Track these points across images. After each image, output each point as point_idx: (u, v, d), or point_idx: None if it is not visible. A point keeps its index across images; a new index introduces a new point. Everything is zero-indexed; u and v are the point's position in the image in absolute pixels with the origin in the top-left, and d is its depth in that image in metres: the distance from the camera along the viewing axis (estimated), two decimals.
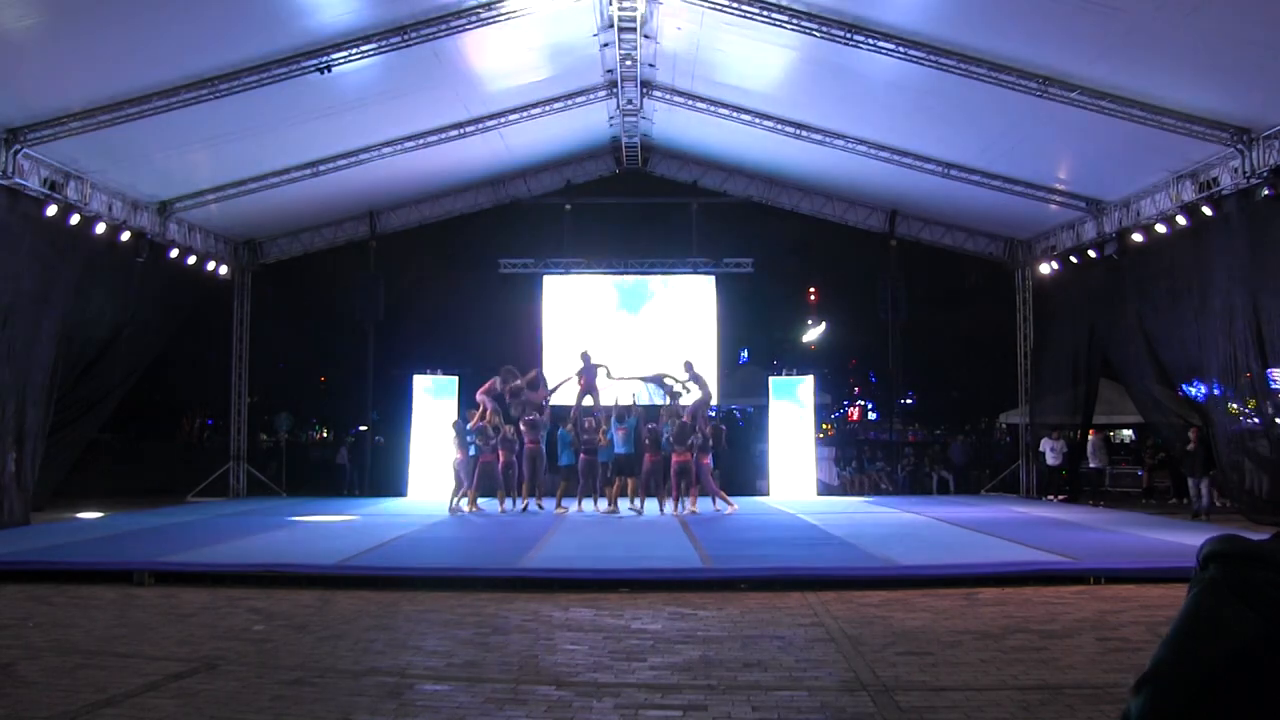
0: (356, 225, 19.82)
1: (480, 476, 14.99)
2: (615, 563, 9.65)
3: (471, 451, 15.04)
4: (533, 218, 20.77)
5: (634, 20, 13.34)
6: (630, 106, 16.74)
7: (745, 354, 31.12)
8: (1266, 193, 11.86)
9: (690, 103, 16.17)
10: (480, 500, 15.36)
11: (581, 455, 15.23)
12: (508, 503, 15.20)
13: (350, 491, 20.41)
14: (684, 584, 8.73)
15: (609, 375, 16.09)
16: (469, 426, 15.21)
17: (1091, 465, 19.06)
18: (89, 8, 10.50)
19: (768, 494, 18.96)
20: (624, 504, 15.23)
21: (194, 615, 7.46)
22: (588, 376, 15.86)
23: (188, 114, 12.48)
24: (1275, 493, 12.98)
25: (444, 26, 12.13)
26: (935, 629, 6.87)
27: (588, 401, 15.76)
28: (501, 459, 15.03)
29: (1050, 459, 18.71)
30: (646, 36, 13.99)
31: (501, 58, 14.23)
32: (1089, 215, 16.35)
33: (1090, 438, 18.97)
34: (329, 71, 12.27)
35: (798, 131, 15.87)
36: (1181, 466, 14.32)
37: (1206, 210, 13.28)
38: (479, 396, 15.46)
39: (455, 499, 15.24)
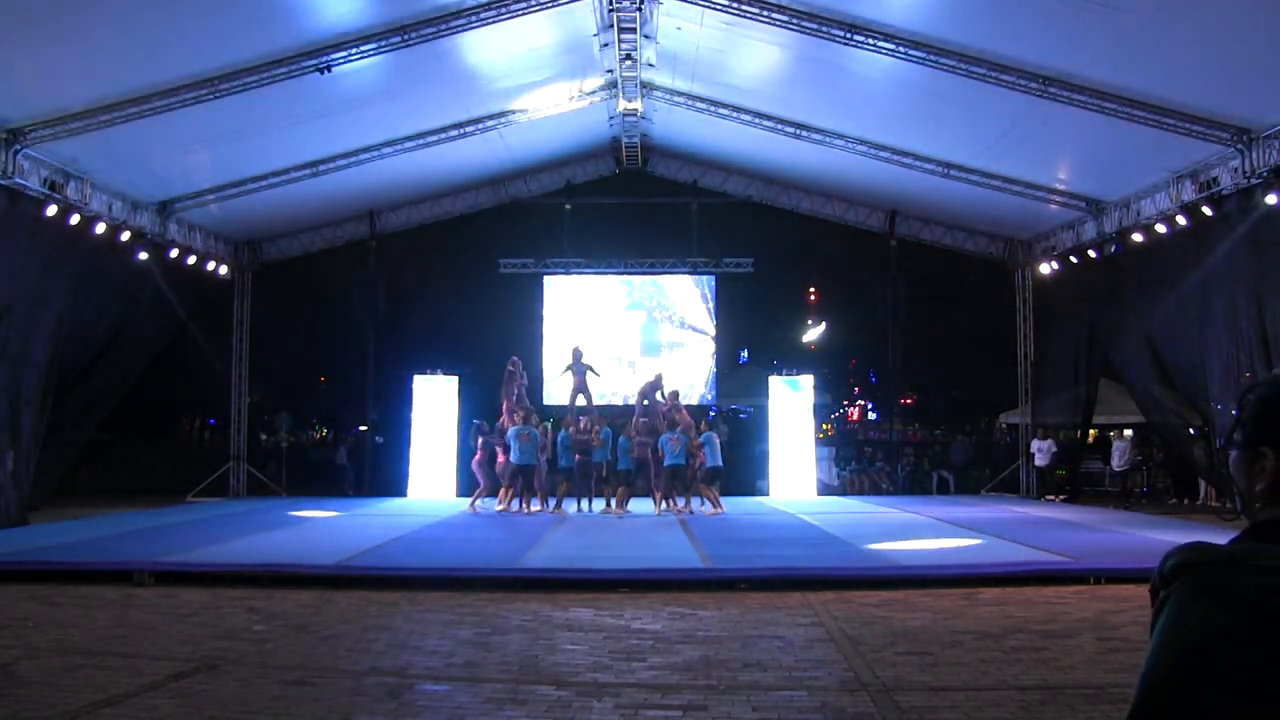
0: (356, 225, 19.82)
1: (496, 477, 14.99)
2: (615, 563, 9.65)
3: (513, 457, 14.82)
4: (533, 218, 20.77)
5: (634, 20, 13.33)
6: (630, 106, 16.74)
7: (745, 354, 31.13)
8: (1272, 198, 11.85)
9: (690, 103, 16.17)
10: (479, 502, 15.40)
11: (577, 456, 15.19)
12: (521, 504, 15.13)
13: (350, 491, 20.40)
14: (684, 584, 8.72)
15: (596, 375, 16.20)
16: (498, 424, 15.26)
17: (1115, 467, 18.71)
18: (89, 8, 10.50)
19: (768, 494, 18.96)
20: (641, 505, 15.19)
21: (194, 615, 7.46)
22: (579, 374, 15.92)
23: (188, 114, 12.46)
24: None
25: (444, 26, 12.12)
26: (935, 629, 6.87)
27: (580, 402, 15.81)
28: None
29: (1039, 459, 18.67)
30: (646, 36, 13.98)
31: (501, 58, 14.23)
32: (1089, 215, 16.35)
33: (1116, 440, 18.68)
34: (329, 72, 12.25)
35: (798, 131, 15.87)
36: None
37: (1206, 210, 13.28)
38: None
39: (477, 500, 15.25)
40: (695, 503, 15.13)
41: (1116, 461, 18.48)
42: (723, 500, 15.23)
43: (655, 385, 15.84)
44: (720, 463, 15.15)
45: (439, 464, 18.65)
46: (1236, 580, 0.88)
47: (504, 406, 15.39)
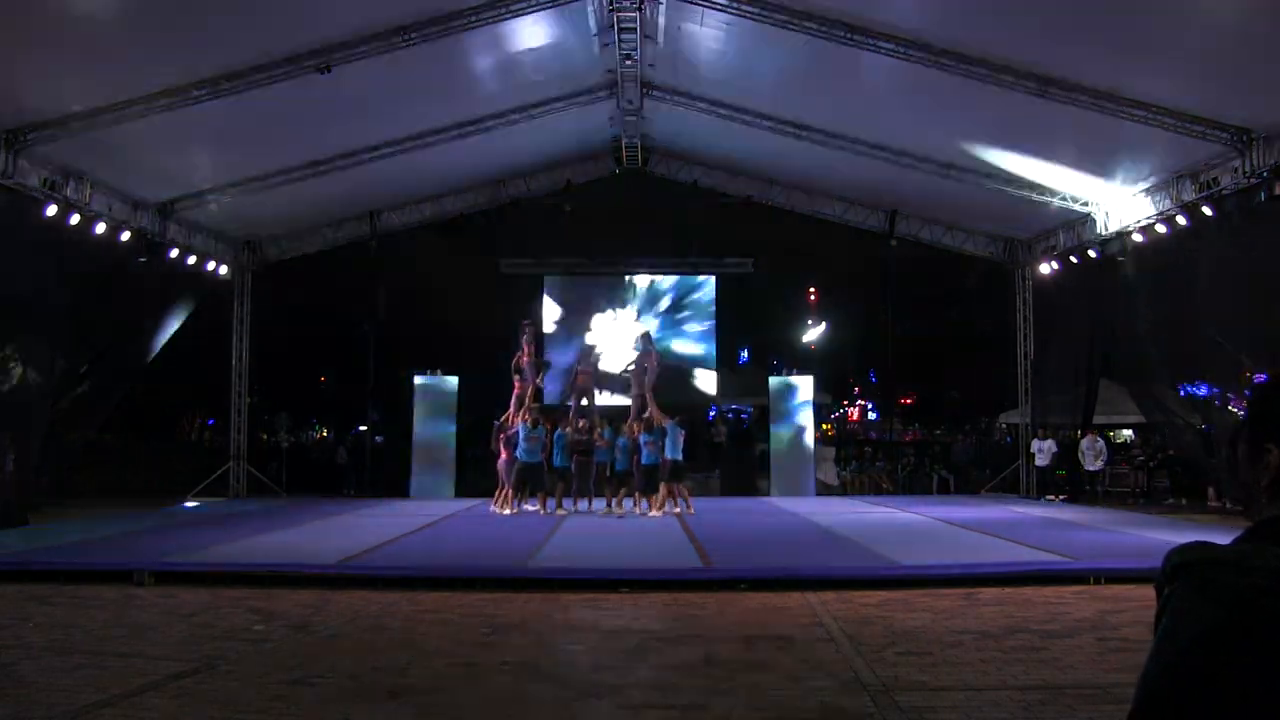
0: (356, 225, 19.80)
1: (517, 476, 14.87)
2: (615, 563, 9.65)
3: (520, 455, 14.59)
4: (533, 218, 20.78)
5: (634, 20, 13.33)
6: (630, 106, 16.73)
7: (745, 354, 31.12)
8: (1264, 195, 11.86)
9: (690, 103, 16.16)
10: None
11: (577, 456, 15.17)
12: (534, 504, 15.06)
13: (350, 491, 20.40)
14: (684, 584, 8.72)
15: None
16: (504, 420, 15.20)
17: (1087, 468, 18.75)
18: (89, 7, 10.49)
19: (768, 494, 18.96)
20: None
21: (194, 615, 7.46)
22: (586, 374, 15.93)
23: (188, 114, 12.46)
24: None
25: (444, 27, 12.12)
26: (935, 629, 6.87)
27: (583, 402, 15.81)
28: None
29: (1039, 460, 18.65)
30: (646, 36, 13.98)
31: (501, 58, 14.23)
32: (1089, 215, 16.34)
33: (1082, 441, 18.70)
34: (329, 72, 12.25)
35: (798, 131, 15.85)
36: None
37: (1206, 210, 13.27)
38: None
39: (500, 501, 15.16)
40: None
41: (1089, 463, 18.43)
42: (723, 500, 15.24)
43: (646, 349, 15.82)
44: (680, 456, 14.85)
45: (439, 464, 18.64)
46: (1232, 579, 0.90)
47: (519, 360, 15.37)
